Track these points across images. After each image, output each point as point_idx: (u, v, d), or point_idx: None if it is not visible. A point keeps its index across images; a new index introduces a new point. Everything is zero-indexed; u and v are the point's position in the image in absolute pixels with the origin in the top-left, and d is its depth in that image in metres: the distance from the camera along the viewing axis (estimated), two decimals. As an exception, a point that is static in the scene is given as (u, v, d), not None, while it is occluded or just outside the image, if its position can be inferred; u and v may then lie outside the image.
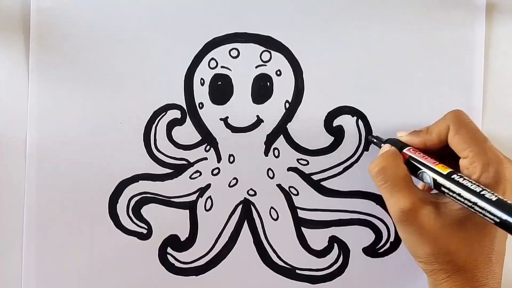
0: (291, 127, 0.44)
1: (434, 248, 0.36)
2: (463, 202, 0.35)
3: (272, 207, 0.44)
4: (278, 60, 0.44)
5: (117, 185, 0.44)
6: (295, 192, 0.44)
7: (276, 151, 0.44)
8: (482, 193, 0.34)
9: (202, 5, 0.44)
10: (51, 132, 0.44)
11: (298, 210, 0.44)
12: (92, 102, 0.44)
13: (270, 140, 0.44)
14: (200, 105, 0.44)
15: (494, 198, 0.33)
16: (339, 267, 0.44)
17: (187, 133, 0.44)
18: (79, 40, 0.44)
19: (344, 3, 0.44)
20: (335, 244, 0.44)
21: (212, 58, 0.44)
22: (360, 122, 0.44)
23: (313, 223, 0.44)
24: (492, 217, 0.33)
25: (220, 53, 0.44)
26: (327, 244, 0.44)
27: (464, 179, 0.35)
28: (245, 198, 0.44)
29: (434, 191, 0.38)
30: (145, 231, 0.44)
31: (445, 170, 0.36)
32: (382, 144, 0.42)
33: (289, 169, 0.44)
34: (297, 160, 0.44)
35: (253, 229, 0.44)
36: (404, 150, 0.39)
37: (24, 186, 0.44)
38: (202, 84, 0.44)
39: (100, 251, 0.44)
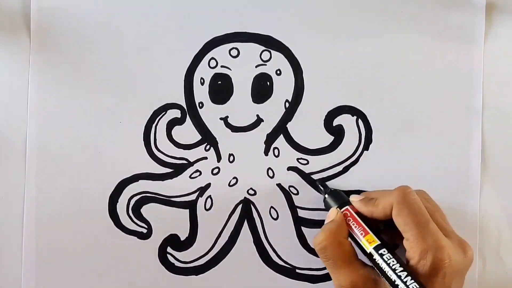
0: (291, 126, 0.44)
1: None
2: (384, 278, 0.36)
3: (272, 207, 0.44)
4: (278, 60, 0.44)
5: (117, 185, 0.44)
6: (295, 192, 0.44)
7: (276, 151, 0.44)
8: (398, 276, 0.35)
9: (202, 4, 0.44)
10: (51, 132, 0.44)
11: (298, 209, 0.44)
12: (92, 101, 0.44)
13: (270, 139, 0.44)
14: (200, 105, 0.44)
15: (407, 285, 0.34)
16: (339, 266, 0.44)
17: (187, 132, 0.44)
18: (79, 40, 0.44)
19: (344, 2, 0.44)
20: (335, 244, 0.44)
21: (212, 58, 0.44)
22: (360, 121, 0.44)
23: (313, 222, 0.44)
24: None
25: (220, 52, 0.44)
26: (327, 243, 0.44)
27: (384, 260, 0.36)
28: (245, 197, 0.44)
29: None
30: (145, 231, 0.44)
31: (371, 245, 0.37)
32: (327, 198, 0.42)
33: (289, 168, 0.44)
34: (297, 159, 0.44)
35: (253, 228, 0.44)
36: (344, 209, 0.40)
37: (24, 186, 0.43)
38: (202, 84, 0.44)
39: (100, 251, 0.44)
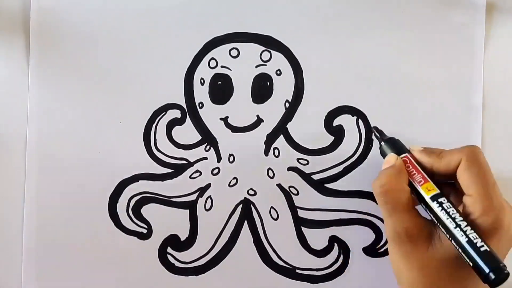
0: (291, 126, 0.44)
1: (417, 275, 0.36)
2: (440, 227, 0.36)
3: (272, 207, 0.44)
4: (278, 60, 0.44)
5: (117, 185, 0.44)
6: (295, 192, 0.44)
7: (276, 151, 0.44)
8: (457, 225, 0.34)
9: (202, 4, 0.44)
10: (51, 132, 0.44)
11: (298, 209, 0.44)
12: (92, 101, 0.44)
13: (270, 139, 0.44)
14: (200, 105, 0.44)
15: (467, 234, 0.34)
16: (339, 266, 0.44)
17: (187, 132, 0.44)
18: (79, 40, 0.44)
19: (344, 2, 0.44)
20: (335, 244, 0.44)
21: (212, 58, 0.44)
22: (360, 121, 0.44)
23: (313, 222, 0.44)
24: (463, 255, 0.34)
25: (220, 52, 0.44)
26: (327, 243, 0.44)
27: (444, 208, 0.36)
28: (245, 197, 0.44)
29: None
30: (145, 231, 0.44)
31: (429, 193, 0.37)
32: (384, 145, 0.41)
33: (289, 168, 0.44)
34: (297, 159, 0.44)
35: (253, 228, 0.44)
36: (402, 155, 0.39)
37: (24, 186, 0.44)
38: (202, 84, 0.44)
39: (100, 251, 0.44)
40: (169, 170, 0.44)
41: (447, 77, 0.45)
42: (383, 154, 0.41)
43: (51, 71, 0.44)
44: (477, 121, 0.45)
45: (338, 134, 0.44)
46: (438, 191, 0.37)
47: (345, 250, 0.44)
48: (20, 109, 0.44)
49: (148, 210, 0.44)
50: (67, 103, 0.44)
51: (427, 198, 0.37)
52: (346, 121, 0.44)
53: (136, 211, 0.44)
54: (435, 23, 0.45)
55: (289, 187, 0.44)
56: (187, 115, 0.44)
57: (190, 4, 0.44)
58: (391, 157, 0.39)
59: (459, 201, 0.37)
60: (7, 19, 0.44)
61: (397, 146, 0.40)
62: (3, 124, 0.44)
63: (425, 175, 0.38)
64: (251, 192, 0.44)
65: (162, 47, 0.44)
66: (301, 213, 0.44)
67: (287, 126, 0.44)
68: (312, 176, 0.44)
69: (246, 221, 0.44)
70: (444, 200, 0.36)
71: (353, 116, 0.44)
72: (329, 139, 0.44)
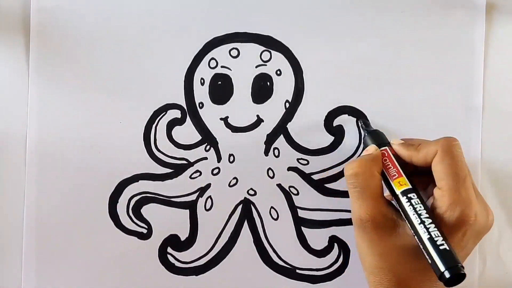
0: (291, 126, 0.44)
1: (379, 262, 0.36)
2: (406, 221, 0.36)
3: (272, 207, 0.44)
4: (278, 60, 0.44)
5: (117, 185, 0.44)
6: (295, 192, 0.44)
7: (276, 151, 0.44)
8: (422, 221, 0.35)
9: (202, 5, 0.44)
10: (51, 132, 0.44)
11: (298, 209, 0.44)
12: (92, 102, 0.44)
13: (270, 139, 0.44)
14: (200, 105, 0.44)
15: (429, 231, 0.34)
16: (339, 267, 0.44)
17: (187, 132, 0.44)
18: (79, 40, 0.44)
19: (344, 3, 0.44)
20: (335, 244, 0.44)
21: (212, 58, 0.44)
22: (360, 121, 0.44)
23: (313, 222, 0.44)
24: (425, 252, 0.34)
25: (220, 52, 0.44)
26: (327, 243, 0.44)
27: (412, 204, 0.36)
28: (245, 197, 0.44)
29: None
30: (145, 231, 0.44)
31: (400, 188, 0.37)
32: (367, 137, 0.41)
33: (289, 168, 0.44)
34: (297, 159, 0.44)
35: (253, 228, 0.44)
36: (382, 148, 0.40)
37: (24, 186, 0.43)
38: (202, 84, 0.44)
39: (100, 251, 0.44)
40: (169, 170, 0.44)
41: (447, 78, 0.45)
42: (366, 145, 0.41)
43: (51, 71, 0.44)
44: (477, 121, 0.45)
45: (338, 134, 0.44)
46: (409, 186, 0.37)
47: (345, 250, 0.44)
48: (20, 109, 0.44)
49: (148, 210, 0.44)
50: (67, 103, 0.44)
51: (397, 192, 0.37)
52: (346, 121, 0.44)
53: (136, 211, 0.44)
54: (435, 23, 0.45)
55: (289, 187, 0.44)
56: (187, 115, 0.44)
57: (190, 4, 0.44)
58: (371, 147, 0.40)
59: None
60: (7, 19, 0.44)
61: (379, 138, 0.41)
62: (3, 124, 0.44)
63: (400, 170, 0.38)
64: (251, 192, 0.44)
65: (162, 47, 0.44)
66: (301, 213, 0.44)
67: (287, 126, 0.44)
68: (312, 176, 0.44)
69: (246, 221, 0.44)
70: (413, 195, 0.36)
71: (353, 116, 0.44)
72: (329, 139, 0.44)
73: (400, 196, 0.37)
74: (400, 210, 0.37)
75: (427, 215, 0.35)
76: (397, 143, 0.40)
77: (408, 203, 0.36)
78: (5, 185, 0.44)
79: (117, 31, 0.44)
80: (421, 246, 0.34)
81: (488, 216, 0.37)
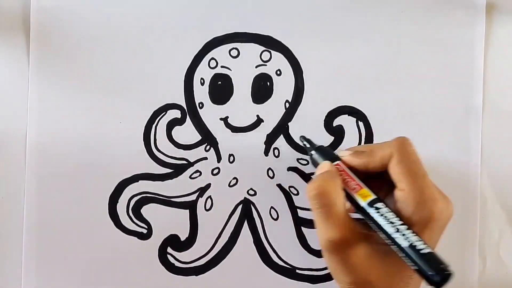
0: (291, 127, 0.44)
1: (355, 278, 0.35)
2: (381, 232, 0.35)
3: (272, 207, 0.44)
4: (278, 60, 0.44)
5: (117, 185, 0.44)
6: (295, 192, 0.44)
7: (276, 151, 0.44)
8: (397, 229, 0.34)
9: (202, 4, 0.44)
10: (51, 132, 0.44)
11: (298, 209, 0.44)
12: (92, 101, 0.44)
13: (270, 140, 0.44)
14: (200, 105, 0.44)
15: (408, 238, 0.33)
16: (339, 267, 0.44)
17: (187, 132, 0.44)
18: (79, 40, 0.44)
19: (344, 2, 0.44)
20: (335, 244, 0.44)
21: (212, 58, 0.44)
22: (360, 122, 0.44)
23: (313, 222, 0.44)
24: (405, 259, 0.33)
25: (220, 52, 0.44)
26: (327, 244, 0.44)
27: (381, 214, 0.34)
28: (245, 198, 0.44)
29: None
30: (145, 231, 0.44)
31: (365, 199, 0.35)
32: (314, 154, 0.40)
33: (289, 169, 0.44)
34: (297, 160, 0.44)
35: (253, 229, 0.44)
36: (334, 163, 0.38)
37: (24, 185, 0.43)
38: (202, 84, 0.44)
39: (100, 251, 0.44)
40: (169, 170, 0.44)
41: (447, 78, 0.45)
42: (315, 164, 0.39)
43: (51, 71, 0.44)
44: (477, 121, 0.45)
45: (338, 134, 0.44)
46: (374, 196, 0.35)
47: (345, 250, 0.44)
48: (20, 109, 0.44)
49: (148, 210, 0.44)
50: (67, 103, 0.44)
51: (363, 204, 0.35)
52: (346, 121, 0.44)
53: (136, 211, 0.44)
54: (435, 23, 0.45)
55: (289, 187, 0.44)
56: (187, 115, 0.44)
57: (190, 4, 0.44)
58: (324, 164, 0.38)
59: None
60: (7, 19, 0.44)
61: (328, 154, 0.39)
62: (3, 124, 0.44)
63: (359, 181, 0.36)
64: (251, 192, 0.44)
65: (162, 47, 0.44)
66: (301, 213, 0.44)
67: (287, 126, 0.44)
68: (312, 176, 0.44)
69: (246, 221, 0.44)
70: (381, 205, 0.35)
71: (353, 116, 0.44)
72: (329, 139, 0.44)
73: (367, 208, 0.35)
74: (371, 222, 0.35)
75: (400, 222, 0.34)
76: (347, 154, 0.38)
77: (378, 214, 0.34)
78: (5, 184, 0.44)
79: (117, 31, 0.44)
80: (402, 254, 0.33)
81: (449, 206, 0.36)
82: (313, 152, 0.40)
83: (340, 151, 0.39)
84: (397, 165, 0.36)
